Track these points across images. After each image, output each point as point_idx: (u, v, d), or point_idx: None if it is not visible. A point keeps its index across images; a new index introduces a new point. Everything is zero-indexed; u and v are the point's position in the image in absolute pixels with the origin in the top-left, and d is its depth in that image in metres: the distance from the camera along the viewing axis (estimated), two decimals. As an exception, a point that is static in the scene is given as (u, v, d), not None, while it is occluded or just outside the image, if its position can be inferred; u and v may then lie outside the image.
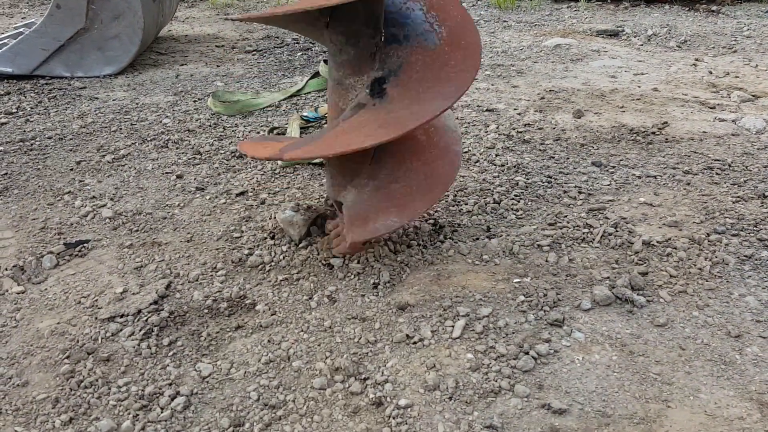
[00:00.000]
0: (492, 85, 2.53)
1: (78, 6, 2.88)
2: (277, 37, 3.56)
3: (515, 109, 2.26)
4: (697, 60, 2.68)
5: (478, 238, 1.48)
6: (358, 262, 1.39)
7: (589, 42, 2.97)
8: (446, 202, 1.66)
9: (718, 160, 1.80)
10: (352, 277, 1.36)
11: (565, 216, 1.55)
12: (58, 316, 1.31)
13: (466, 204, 1.64)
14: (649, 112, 2.19)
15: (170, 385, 1.10)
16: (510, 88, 2.49)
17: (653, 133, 2.01)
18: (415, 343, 1.16)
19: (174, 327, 1.25)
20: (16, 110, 2.57)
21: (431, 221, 1.56)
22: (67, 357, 1.18)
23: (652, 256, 1.37)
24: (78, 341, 1.22)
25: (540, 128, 2.09)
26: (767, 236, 1.42)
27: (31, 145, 2.21)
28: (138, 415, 1.04)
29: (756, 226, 1.46)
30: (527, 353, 1.11)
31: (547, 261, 1.38)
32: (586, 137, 2.01)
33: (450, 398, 1.03)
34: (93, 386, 1.11)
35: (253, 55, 3.26)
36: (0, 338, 1.25)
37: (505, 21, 3.46)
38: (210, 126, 2.30)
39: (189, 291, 1.35)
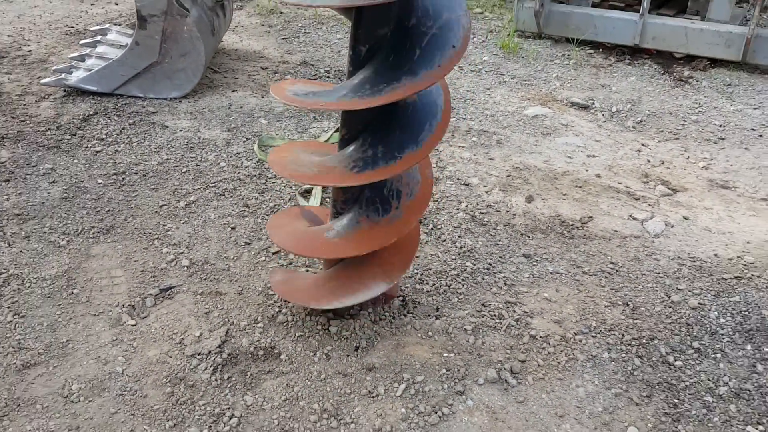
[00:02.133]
0: (474, 155, 3.23)
1: (153, 44, 3.57)
2: (312, 65, 4.21)
3: (484, 186, 2.98)
4: (642, 145, 3.34)
5: (429, 316, 2.26)
6: (347, 330, 2.19)
7: (562, 114, 3.62)
8: (415, 279, 2.43)
9: (612, 264, 2.53)
10: (343, 340, 2.16)
11: (489, 304, 2.31)
12: (159, 347, 2.12)
13: (427, 284, 2.40)
14: (583, 202, 2.90)
15: (228, 408, 1.92)
16: (487, 160, 3.19)
17: (577, 227, 2.74)
18: (373, 397, 1.96)
19: (231, 366, 2.06)
20: (105, 136, 3.33)
21: (401, 297, 2.34)
22: (169, 381, 2.00)
23: (533, 347, 2.15)
24: (174, 370, 2.04)
25: (497, 210, 2.82)
26: (613, 341, 2.18)
27: (123, 179, 2.99)
28: (211, 426, 1.87)
29: (610, 331, 2.22)
30: (436, 413, 1.91)
31: (467, 341, 2.16)
32: (527, 225, 2.74)
33: (385, 438, 1.85)
34: (185, 403, 1.94)
35: (291, 85, 3.95)
36: (127, 360, 2.08)
37: (502, 74, 4.08)
38: (255, 176, 3.05)
39: (240, 338, 2.16)
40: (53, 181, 2.95)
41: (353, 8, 1.78)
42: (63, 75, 3.74)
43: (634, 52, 4.38)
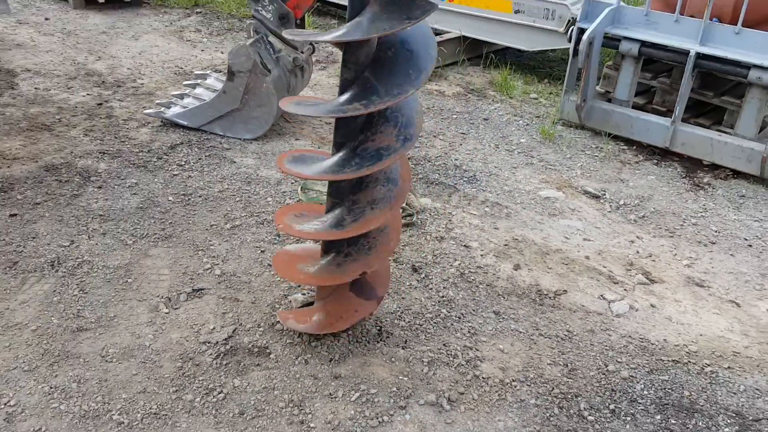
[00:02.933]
0: (482, 222, 3.70)
1: (236, 94, 4.31)
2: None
3: (481, 251, 3.45)
4: (637, 237, 3.70)
5: (397, 345, 2.74)
6: (327, 346, 2.69)
7: (573, 200, 4.04)
8: (395, 315, 2.91)
9: (568, 331, 2.93)
10: (322, 352, 2.66)
11: (449, 345, 2.76)
12: (180, 333, 2.71)
13: (404, 321, 2.89)
14: (564, 277, 3.31)
15: (220, 386, 2.46)
16: (492, 229, 3.66)
17: (550, 297, 3.14)
18: (332, 398, 2.45)
19: (230, 355, 2.61)
20: (184, 163, 4.06)
21: (379, 327, 2.83)
22: (181, 358, 2.58)
23: (473, 384, 2.57)
24: (186, 351, 2.62)
25: (485, 272, 3.28)
26: (543, 392, 2.57)
27: (188, 200, 3.67)
28: (204, 396, 2.41)
29: (543, 384, 2.61)
30: (378, 418, 2.37)
31: (421, 370, 2.62)
32: (506, 288, 3.17)
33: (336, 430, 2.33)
34: (188, 377, 2.50)
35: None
36: (154, 339, 2.67)
37: (532, 156, 4.55)
38: (292, 212, 3.65)
39: (243, 336, 2.71)
40: (134, 193, 3.67)
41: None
42: (163, 108, 4.54)
43: (665, 154, 4.73)
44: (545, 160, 4.51)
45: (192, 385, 2.45)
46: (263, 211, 3.63)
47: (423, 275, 3.21)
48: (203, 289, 2.97)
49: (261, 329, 2.76)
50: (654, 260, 3.50)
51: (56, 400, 2.35)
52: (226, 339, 2.68)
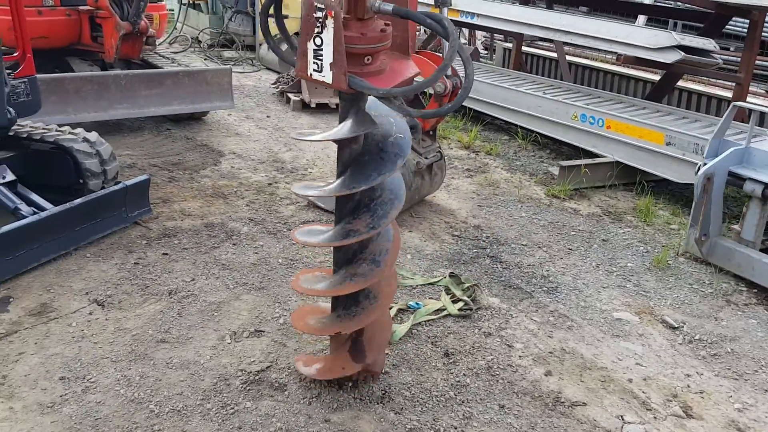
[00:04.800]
0: (538, 329, 3.86)
1: (363, 186, 5.07)
2: (482, 229, 5.25)
3: (521, 353, 3.62)
4: (697, 373, 3.54)
5: (392, 410, 3.07)
6: (332, 396, 3.13)
7: (646, 326, 3.97)
8: (406, 386, 3.25)
9: (561, 438, 2.99)
10: (325, 399, 3.11)
11: (439, 421, 3.02)
12: (230, 359, 3.37)
13: (411, 392, 3.21)
14: (593, 392, 3.34)
15: (234, 404, 3.04)
16: (545, 336, 3.80)
17: (566, 406, 3.21)
18: (312, 434, 2.88)
19: (255, 383, 3.19)
20: (305, 236, 4.86)
21: (384, 391, 3.19)
22: (219, 376, 3.22)
23: (439, 458, 2.80)
24: (227, 371, 3.25)
25: (514, 371, 3.45)
26: (501, 481, 2.70)
27: (292, 264, 4.42)
28: (223, 410, 3.01)
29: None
30: (339, 460, 2.74)
31: (401, 435, 2.92)
32: (525, 389, 3.31)
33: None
34: (218, 391, 3.12)
35: (452, 241, 5.03)
36: (210, 359, 3.37)
37: (629, 280, 4.52)
38: (369, 288, 4.19)
39: (271, 372, 3.28)
40: (256, 252, 4.54)
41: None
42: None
43: (790, 301, 4.38)
44: (641, 285, 4.48)
45: (215, 398, 3.07)
46: (346, 283, 4.22)
47: (452, 361, 3.50)
48: (263, 332, 3.62)
49: (289, 370, 3.30)
50: (703, 397, 3.35)
51: (121, 385, 3.14)
52: (258, 371, 3.28)
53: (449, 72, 5.03)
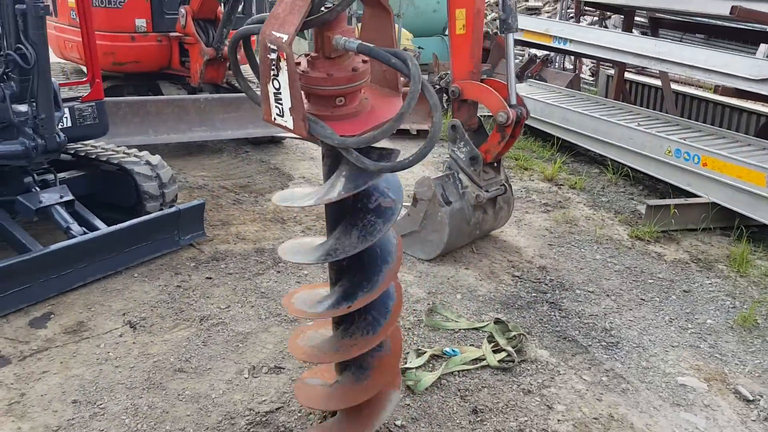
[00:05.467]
0: (587, 390, 3.43)
1: (417, 218, 4.84)
2: (547, 271, 4.84)
3: (561, 417, 3.22)
4: (772, 461, 2.99)
5: (398, 471, 2.80)
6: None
7: (715, 395, 3.42)
8: (421, 445, 2.97)
9: None
10: (329, 450, 2.89)
11: (445, 490, 2.71)
12: (242, 396, 3.23)
13: (423, 452, 2.92)
14: (635, 472, 2.89)
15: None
16: (594, 399, 3.37)
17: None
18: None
19: (260, 425, 3.03)
20: (353, 268, 4.68)
21: (395, 449, 2.92)
22: (227, 413, 3.09)
23: None
24: (235, 409, 3.12)
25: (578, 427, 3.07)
26: None
27: (332, 297, 4.24)
28: None
29: None
30: None
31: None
32: (554, 460, 2.93)
33: None
34: (224, 426, 2.99)
35: (511, 282, 4.67)
36: (223, 394, 3.25)
37: (705, 340, 3.93)
38: (414, 325, 3.94)
39: (281, 415, 3.10)
40: (298, 282, 4.41)
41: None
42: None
43: None
44: (718, 347, 3.91)
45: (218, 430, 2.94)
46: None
47: (479, 419, 3.18)
48: (283, 368, 3.46)
49: (299, 414, 3.12)
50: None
51: (128, 414, 3.08)
52: (267, 412, 3.12)
53: (514, 100, 4.72)
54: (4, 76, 3.79)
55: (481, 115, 5.16)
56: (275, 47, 2.05)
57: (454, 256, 4.99)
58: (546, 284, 4.63)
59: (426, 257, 4.90)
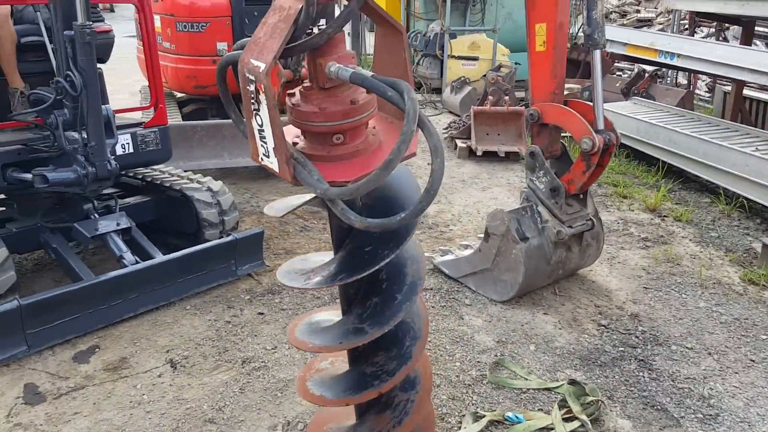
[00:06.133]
0: None
1: (489, 255, 4.37)
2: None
3: None
4: None
5: None
6: None
7: None
8: None
9: None
10: None
11: None
12: None
13: None
14: None
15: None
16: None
17: None
18: None
19: None
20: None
21: None
22: None
23: None
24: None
25: None
26: None
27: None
28: None
29: None
30: None
31: None
32: None
33: None
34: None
35: (595, 332, 4.10)
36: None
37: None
38: (476, 381, 3.48)
39: None
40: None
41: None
42: (434, 256, 4.91)
43: None
44: None
45: None
46: (441, 372, 3.57)
47: (538, 506, 2.68)
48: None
49: None
50: None
51: (148, 468, 2.84)
52: None
53: (602, 125, 4.17)
54: (59, 104, 3.73)
55: (564, 136, 4.63)
56: (253, 78, 1.72)
57: (533, 298, 4.48)
58: (637, 336, 4.02)
59: (499, 299, 4.42)
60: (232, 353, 3.71)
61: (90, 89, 3.62)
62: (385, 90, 1.71)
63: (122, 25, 12.20)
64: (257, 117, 1.77)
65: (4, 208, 4.62)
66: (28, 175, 3.86)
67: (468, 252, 4.75)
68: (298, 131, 1.96)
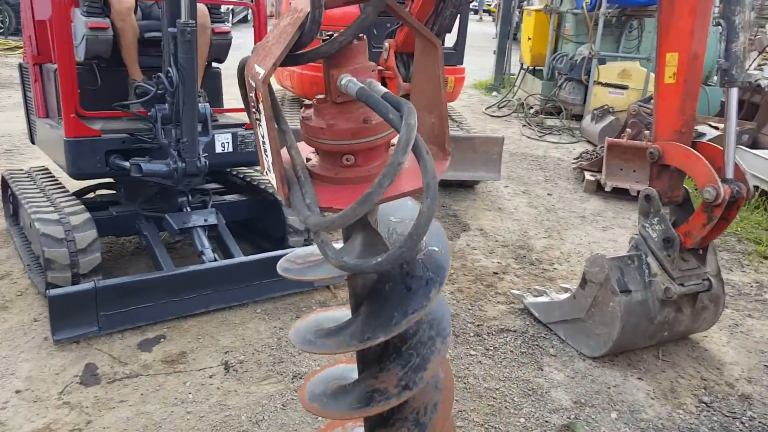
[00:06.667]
0: None
1: (584, 304, 3.93)
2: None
3: None
4: None
5: None
6: None
7: None
8: None
9: None
10: None
11: None
12: None
13: None
14: None
15: None
16: None
17: None
18: None
19: None
20: (494, 348, 3.94)
21: None
22: None
23: None
24: None
25: None
26: None
27: (457, 379, 3.56)
28: None
29: None
30: None
31: None
32: None
33: None
34: None
35: (693, 409, 3.52)
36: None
37: None
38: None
39: None
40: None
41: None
42: (529, 294, 4.51)
43: None
44: None
45: None
46: (501, 426, 3.21)
47: None
48: None
49: None
50: None
51: (169, 472, 2.78)
52: None
53: (731, 174, 3.59)
54: (161, 98, 3.83)
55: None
56: (254, 85, 1.56)
57: (629, 358, 3.95)
58: (742, 422, 3.40)
59: (590, 354, 3.94)
60: (286, 365, 3.59)
61: (187, 86, 3.69)
62: (387, 111, 1.49)
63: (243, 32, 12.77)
64: (259, 127, 1.62)
65: (114, 192, 4.86)
66: (127, 164, 4.00)
67: (564, 296, 4.31)
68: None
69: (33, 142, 5.10)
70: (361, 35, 1.69)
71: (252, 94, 1.55)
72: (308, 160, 1.78)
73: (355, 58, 1.61)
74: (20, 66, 5.03)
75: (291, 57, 1.58)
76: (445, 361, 2.09)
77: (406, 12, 1.74)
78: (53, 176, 4.86)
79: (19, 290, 4.23)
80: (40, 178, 4.70)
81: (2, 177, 5.05)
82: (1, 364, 3.46)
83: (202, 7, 4.45)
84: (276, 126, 1.60)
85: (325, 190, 1.66)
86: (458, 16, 6.61)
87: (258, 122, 1.59)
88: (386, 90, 1.56)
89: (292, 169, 1.70)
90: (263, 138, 1.60)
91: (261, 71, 1.51)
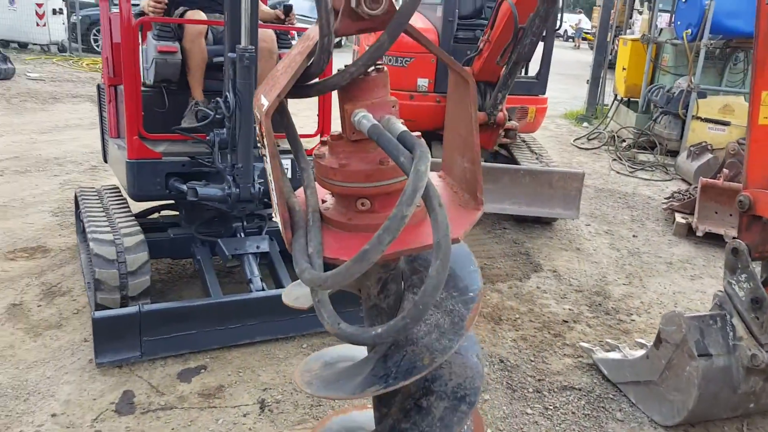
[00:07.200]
0: None
1: (658, 365, 3.51)
2: None
3: None
4: None
5: None
6: None
7: None
8: None
9: None
10: None
11: None
12: None
13: None
14: None
15: None
16: None
17: None
18: None
19: None
20: (555, 408, 3.58)
21: None
22: None
23: None
24: None
25: None
26: None
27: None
28: None
29: None
30: None
31: None
32: None
33: None
34: None
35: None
36: None
37: None
38: None
39: None
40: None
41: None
42: (596, 349, 4.11)
43: None
44: None
45: None
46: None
47: None
48: None
49: None
50: None
51: None
52: None
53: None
54: (220, 122, 3.78)
55: None
56: (258, 116, 1.41)
57: (708, 429, 3.49)
58: None
59: (662, 422, 3.51)
60: (324, 409, 3.39)
61: (243, 112, 3.62)
62: (398, 154, 1.30)
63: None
64: (265, 163, 1.49)
65: (177, 213, 4.88)
66: (185, 187, 3.97)
67: (638, 354, 3.89)
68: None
69: (105, 161, 5.22)
70: (380, 66, 1.51)
71: (256, 127, 1.43)
72: (323, 201, 1.61)
73: (372, 91, 1.44)
74: (98, 87, 5.18)
75: (299, 88, 1.43)
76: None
77: (431, 41, 1.54)
78: (121, 196, 4.92)
79: (77, 308, 4.28)
80: (108, 197, 4.77)
81: (75, 194, 5.19)
82: (44, 384, 3.45)
83: (270, 33, 4.42)
84: (288, 164, 1.45)
85: (336, 238, 1.48)
86: (541, 44, 6.33)
87: (263, 156, 1.44)
88: (405, 129, 1.37)
89: (304, 212, 1.54)
90: (270, 174, 1.45)
91: (265, 103, 1.37)
